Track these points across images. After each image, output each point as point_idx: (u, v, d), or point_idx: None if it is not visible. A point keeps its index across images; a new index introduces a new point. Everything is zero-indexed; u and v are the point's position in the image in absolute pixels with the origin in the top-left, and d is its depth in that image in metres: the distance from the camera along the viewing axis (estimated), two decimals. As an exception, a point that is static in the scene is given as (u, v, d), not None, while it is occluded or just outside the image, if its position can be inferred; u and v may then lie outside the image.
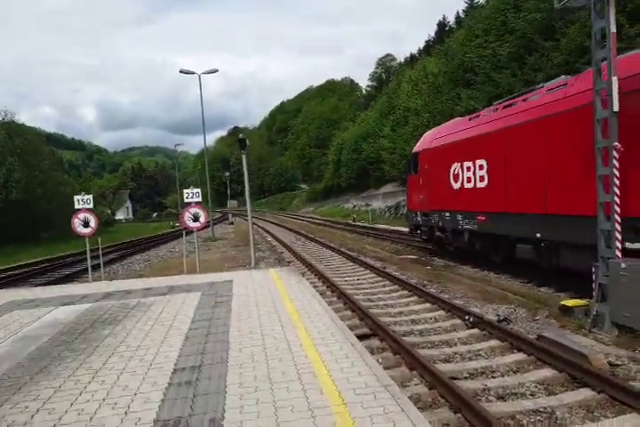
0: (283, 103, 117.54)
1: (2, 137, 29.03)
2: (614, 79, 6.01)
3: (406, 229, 18.64)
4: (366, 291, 9.62)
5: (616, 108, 6.07)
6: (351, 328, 5.98)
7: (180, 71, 25.97)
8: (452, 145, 12.25)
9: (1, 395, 3.88)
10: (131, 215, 79.25)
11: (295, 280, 8.65)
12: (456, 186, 11.88)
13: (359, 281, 10.73)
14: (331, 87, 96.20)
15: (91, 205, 10.64)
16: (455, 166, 11.87)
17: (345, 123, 59.73)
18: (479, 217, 10.87)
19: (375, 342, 6.24)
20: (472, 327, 6.70)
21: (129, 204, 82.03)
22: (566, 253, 8.28)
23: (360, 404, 3.36)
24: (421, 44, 58.72)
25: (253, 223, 11.65)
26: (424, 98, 31.47)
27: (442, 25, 54.79)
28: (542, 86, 9.41)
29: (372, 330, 6.74)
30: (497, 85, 22.12)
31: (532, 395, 4.47)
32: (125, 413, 3.43)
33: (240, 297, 7.32)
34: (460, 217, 11.85)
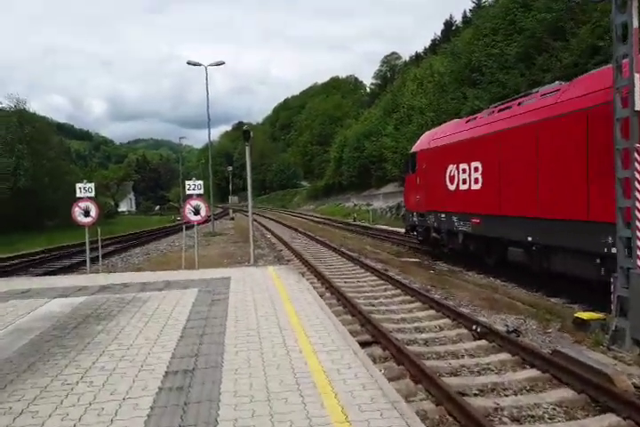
0: (287, 100, 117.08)
1: (13, 125, 28.88)
2: (637, 76, 5.70)
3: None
4: (367, 294, 9.33)
5: (638, 106, 5.74)
6: (352, 334, 5.70)
7: (188, 63, 25.83)
8: (448, 146, 12.29)
9: (-18, 393, 3.62)
10: (133, 207, 78.95)
11: (294, 280, 8.39)
12: (452, 187, 11.92)
13: (359, 284, 10.45)
14: (335, 84, 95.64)
15: (92, 194, 10.37)
16: (451, 168, 11.90)
17: (348, 120, 59.29)
18: (473, 219, 10.91)
19: (377, 351, 5.96)
20: (479, 338, 6.40)
21: (132, 196, 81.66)
22: (557, 257, 8.32)
23: (366, 423, 3.07)
24: (427, 43, 58.23)
25: (253, 220, 11.37)
26: (429, 97, 31.10)
27: (448, 24, 53.98)
28: (537, 91, 9.49)
29: (373, 337, 6.45)
30: (504, 86, 21.75)
31: (550, 418, 4.15)
32: (111, 420, 3.17)
33: (237, 295, 7.06)
34: (455, 218, 11.88)
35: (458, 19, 51.20)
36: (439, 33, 54.85)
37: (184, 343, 4.74)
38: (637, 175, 5.77)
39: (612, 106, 6.15)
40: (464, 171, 11.28)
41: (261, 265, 11.78)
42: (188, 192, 10.80)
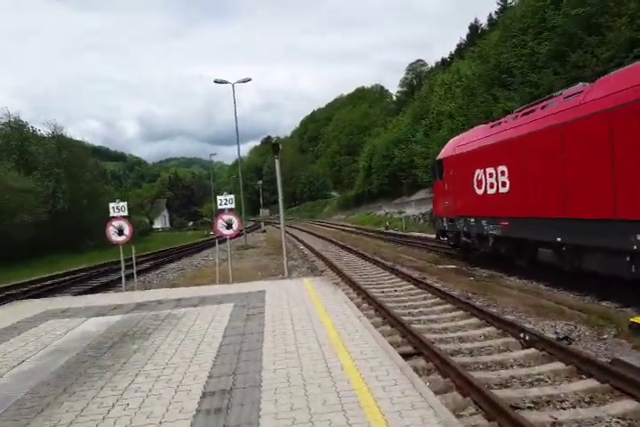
0: (313, 112, 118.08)
1: (52, 150, 30.14)
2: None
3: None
4: (406, 304, 9.04)
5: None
6: (392, 346, 5.45)
7: (215, 81, 26.28)
8: (474, 152, 12.51)
9: (21, 418, 3.58)
10: (167, 224, 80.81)
11: (330, 291, 8.18)
12: (479, 192, 12.15)
13: (397, 293, 10.16)
14: (361, 95, 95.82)
15: (125, 213, 10.53)
16: (478, 172, 12.12)
17: (376, 129, 59.06)
18: (502, 222, 11.11)
19: (420, 362, 5.69)
20: (528, 347, 6.04)
21: (166, 213, 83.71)
22: (587, 256, 8.44)
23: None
24: (453, 48, 57.80)
25: (285, 231, 11.28)
26: (458, 101, 30.66)
27: (474, 27, 53.91)
28: (560, 94, 9.64)
29: (415, 348, 6.19)
30: (536, 85, 21.18)
31: (615, 434, 3.82)
32: (148, 445, 3.05)
33: (273, 309, 6.90)
34: (484, 222, 12.09)
35: (483, 22, 50.83)
36: (464, 37, 54.67)
37: (221, 361, 4.59)
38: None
39: (635, 105, 6.38)
40: (491, 175, 11.47)
41: (295, 277, 11.63)
42: (219, 207, 10.82)
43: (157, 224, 73.24)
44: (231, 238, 11.06)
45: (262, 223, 48.14)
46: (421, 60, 71.59)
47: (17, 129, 30.80)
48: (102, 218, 11.44)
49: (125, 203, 10.54)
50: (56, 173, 29.06)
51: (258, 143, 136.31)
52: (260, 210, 79.61)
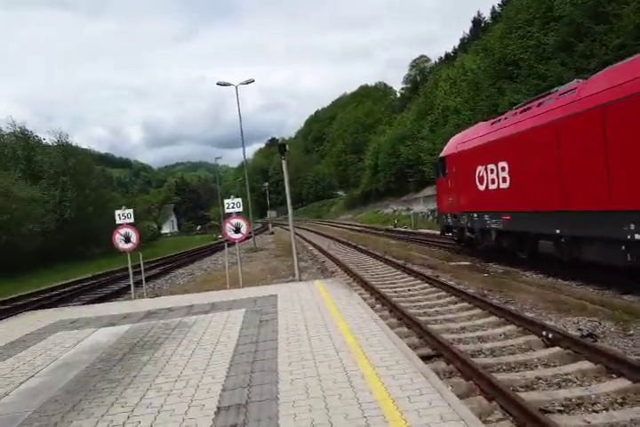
0: (317, 112, 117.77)
1: (58, 159, 30.25)
2: None
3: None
4: (420, 303, 8.83)
5: None
6: (410, 348, 5.23)
7: (218, 83, 26.15)
8: (475, 149, 12.86)
9: (28, 439, 3.43)
10: (175, 229, 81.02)
11: (344, 294, 7.97)
12: (481, 188, 12.49)
13: (411, 292, 9.95)
14: (364, 93, 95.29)
15: (132, 220, 10.39)
16: (480, 169, 12.47)
17: (381, 127, 58.69)
18: (504, 216, 11.49)
19: (441, 365, 5.48)
20: (552, 345, 5.81)
21: (174, 217, 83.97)
22: (584, 246, 8.82)
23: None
24: (456, 43, 57.38)
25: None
26: (463, 95, 30.33)
27: (477, 21, 53.49)
28: (556, 90, 9.96)
29: (434, 349, 5.99)
30: (543, 77, 20.84)
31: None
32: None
33: (286, 314, 6.71)
34: (486, 217, 12.48)
35: (486, 15, 50.45)
36: (467, 32, 54.30)
37: (234, 372, 4.38)
38: None
39: (626, 101, 6.89)
40: (492, 171, 11.84)
41: (307, 279, 11.45)
42: (227, 211, 10.65)
43: (165, 229, 73.46)
44: (240, 242, 10.88)
45: (270, 225, 48.07)
46: (424, 56, 71.17)
47: (23, 139, 30.97)
48: (109, 225, 11.33)
49: (131, 210, 10.39)
50: (62, 181, 29.19)
51: (262, 145, 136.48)
52: (268, 212, 79.64)
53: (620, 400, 4.25)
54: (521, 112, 10.92)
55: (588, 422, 3.85)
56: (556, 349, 5.66)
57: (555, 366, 5.25)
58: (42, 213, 24.86)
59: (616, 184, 7.67)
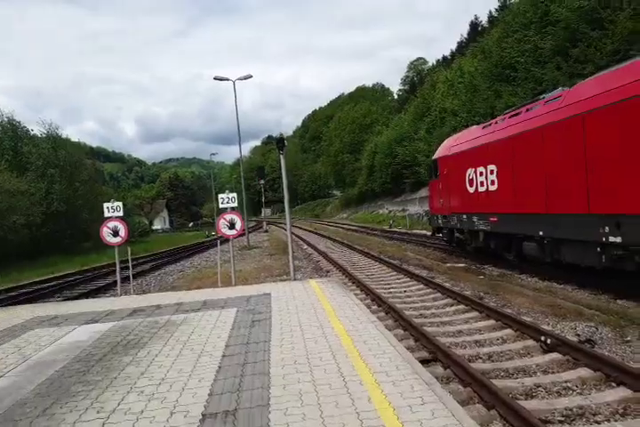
0: (315, 111, 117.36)
1: (46, 150, 29.70)
2: None
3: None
4: (416, 305, 8.66)
5: None
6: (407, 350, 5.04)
7: (215, 78, 25.82)
8: (467, 151, 13.18)
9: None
10: (167, 225, 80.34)
11: (340, 294, 7.77)
12: (471, 190, 12.81)
13: (407, 293, 9.77)
14: (362, 93, 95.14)
15: (121, 213, 10.10)
16: (470, 172, 12.79)
17: (378, 127, 58.53)
18: (491, 218, 11.80)
19: (438, 370, 5.29)
20: (550, 351, 5.65)
21: (166, 214, 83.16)
22: (565, 248, 9.23)
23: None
24: (453, 46, 57.64)
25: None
26: (461, 97, 30.25)
27: (474, 25, 53.97)
28: (543, 97, 10.29)
29: (431, 353, 5.81)
30: (539, 81, 20.87)
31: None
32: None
33: (281, 315, 6.48)
34: (475, 219, 12.78)
35: (483, 19, 50.71)
36: (465, 35, 54.49)
37: (223, 375, 4.14)
38: None
39: (605, 110, 7.50)
40: (481, 174, 12.16)
41: (301, 279, 11.23)
42: (221, 206, 10.39)
43: (157, 225, 72.78)
44: (234, 238, 10.63)
45: (265, 223, 47.74)
46: (422, 58, 71.40)
47: (10, 129, 30.30)
48: (99, 219, 11.01)
49: (120, 203, 10.08)
50: (50, 173, 28.48)
51: (258, 143, 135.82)
52: (262, 209, 79.19)
53: (621, 411, 4.10)
54: (510, 117, 11.25)
55: (591, 434, 3.68)
56: (555, 355, 5.53)
57: (554, 372, 5.12)
58: (27, 205, 24.32)
59: (593, 189, 8.08)
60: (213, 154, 55.58)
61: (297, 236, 29.11)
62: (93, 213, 26.84)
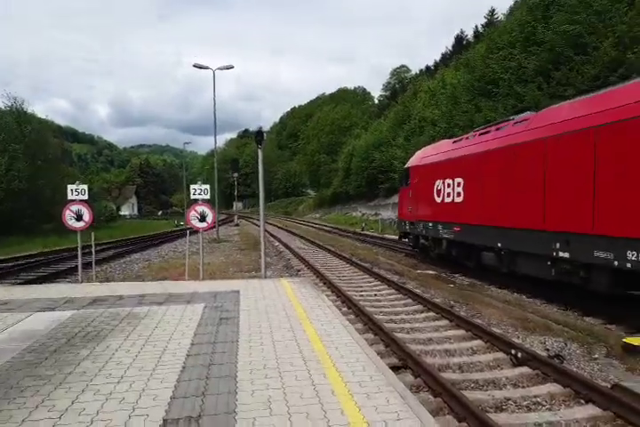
0: (294, 109, 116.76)
1: (9, 124, 28.16)
2: None
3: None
4: (387, 310, 8.56)
5: None
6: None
7: (194, 65, 25.11)
8: (437, 163, 13.82)
9: None
10: (135, 212, 78.34)
11: (311, 295, 7.56)
12: (438, 200, 13.47)
13: (377, 297, 9.68)
14: (343, 95, 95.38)
15: (85, 197, 9.56)
16: (438, 182, 13.47)
17: (357, 130, 58.67)
18: (455, 228, 12.43)
19: (408, 378, 5.18)
20: (520, 364, 5.63)
21: (134, 200, 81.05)
22: (519, 260, 9.86)
23: None
24: (437, 57, 58.62)
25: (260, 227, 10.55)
26: (441, 108, 30.54)
27: (459, 38, 55.27)
28: (512, 119, 10.80)
29: (401, 360, 5.70)
30: (521, 99, 21.23)
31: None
32: None
33: (250, 314, 6.21)
34: (440, 227, 13.45)
35: (469, 33, 51.76)
36: (449, 47, 55.61)
37: (187, 377, 3.87)
38: None
39: (565, 137, 8.13)
40: (449, 185, 12.77)
41: (272, 276, 10.96)
42: (192, 197, 10.00)
43: (125, 211, 70.87)
44: (204, 231, 10.28)
45: (236, 217, 47.07)
46: (405, 66, 72.19)
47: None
48: (62, 201, 10.41)
49: (86, 186, 9.53)
50: (13, 148, 26.97)
51: (234, 135, 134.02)
52: (234, 203, 78.19)
53: (591, 430, 4.06)
54: (480, 135, 11.84)
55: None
56: (525, 369, 5.52)
57: (523, 386, 5.10)
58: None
59: (549, 207, 8.69)
60: (187, 143, 54.48)
61: (268, 232, 28.74)
62: (57, 195, 25.61)
